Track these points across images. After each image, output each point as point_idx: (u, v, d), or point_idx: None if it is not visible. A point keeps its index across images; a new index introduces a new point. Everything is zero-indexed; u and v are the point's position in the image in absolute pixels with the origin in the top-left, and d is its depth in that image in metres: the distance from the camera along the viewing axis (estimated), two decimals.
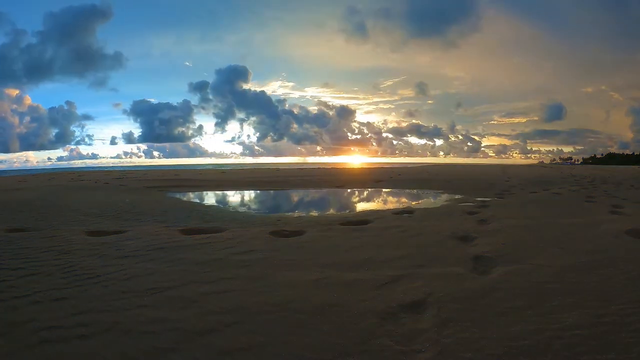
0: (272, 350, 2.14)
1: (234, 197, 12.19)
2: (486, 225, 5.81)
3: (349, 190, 14.23)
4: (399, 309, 2.67)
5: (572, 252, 4.07)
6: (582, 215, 6.64)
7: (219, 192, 13.63)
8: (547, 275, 3.33)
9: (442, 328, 2.36)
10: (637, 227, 5.27)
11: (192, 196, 11.97)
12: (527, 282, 3.16)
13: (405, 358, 2.05)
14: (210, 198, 11.75)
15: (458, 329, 2.35)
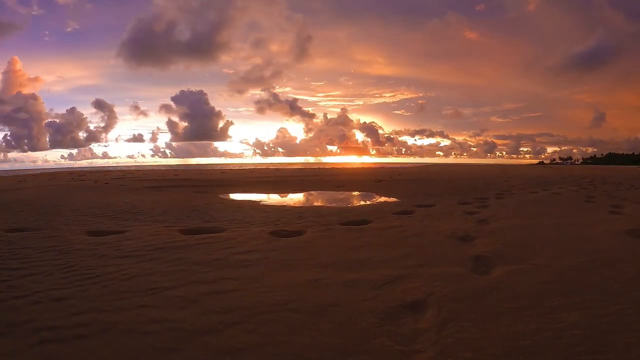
0: (272, 350, 2.13)
1: (233, 197, 12.18)
2: (486, 225, 5.81)
3: (348, 190, 14.22)
4: (399, 309, 2.67)
5: (572, 252, 4.07)
6: (582, 215, 6.64)
7: (219, 193, 13.62)
8: (547, 275, 3.33)
9: (442, 328, 2.36)
10: (637, 227, 5.28)
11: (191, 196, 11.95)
12: (527, 282, 3.16)
13: (405, 358, 2.05)
14: (209, 198, 11.73)
15: (458, 329, 2.35)
